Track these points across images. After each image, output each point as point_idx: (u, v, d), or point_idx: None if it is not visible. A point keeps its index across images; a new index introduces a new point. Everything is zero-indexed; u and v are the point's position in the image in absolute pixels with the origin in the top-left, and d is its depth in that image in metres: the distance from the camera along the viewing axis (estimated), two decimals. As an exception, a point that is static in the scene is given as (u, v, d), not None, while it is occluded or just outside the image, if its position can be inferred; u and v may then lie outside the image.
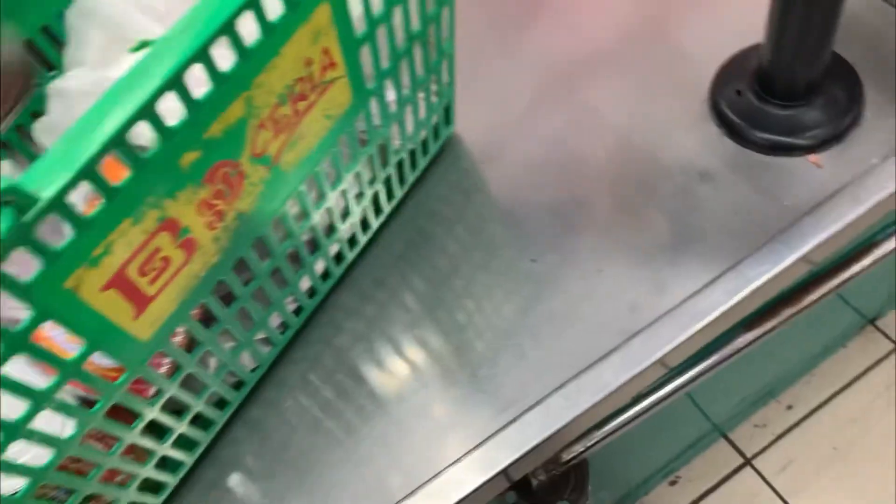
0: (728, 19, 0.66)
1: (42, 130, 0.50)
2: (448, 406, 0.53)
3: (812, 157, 0.57)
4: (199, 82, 0.36)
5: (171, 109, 0.34)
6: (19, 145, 0.55)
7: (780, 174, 0.57)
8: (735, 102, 0.59)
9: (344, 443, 0.53)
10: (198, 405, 0.49)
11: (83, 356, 0.37)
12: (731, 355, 0.63)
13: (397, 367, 0.55)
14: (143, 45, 0.52)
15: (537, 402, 0.50)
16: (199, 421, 0.50)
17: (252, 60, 0.38)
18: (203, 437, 0.52)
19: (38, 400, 0.36)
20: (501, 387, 0.52)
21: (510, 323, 0.55)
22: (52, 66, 0.56)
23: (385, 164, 0.56)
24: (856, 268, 0.65)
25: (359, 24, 0.45)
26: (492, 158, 0.64)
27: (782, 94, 0.57)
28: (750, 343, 0.63)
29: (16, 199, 0.28)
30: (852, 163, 0.56)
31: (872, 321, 1.33)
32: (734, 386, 1.05)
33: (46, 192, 0.30)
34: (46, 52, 0.55)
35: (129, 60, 0.50)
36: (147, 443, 0.46)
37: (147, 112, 0.33)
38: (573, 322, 0.54)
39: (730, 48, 0.63)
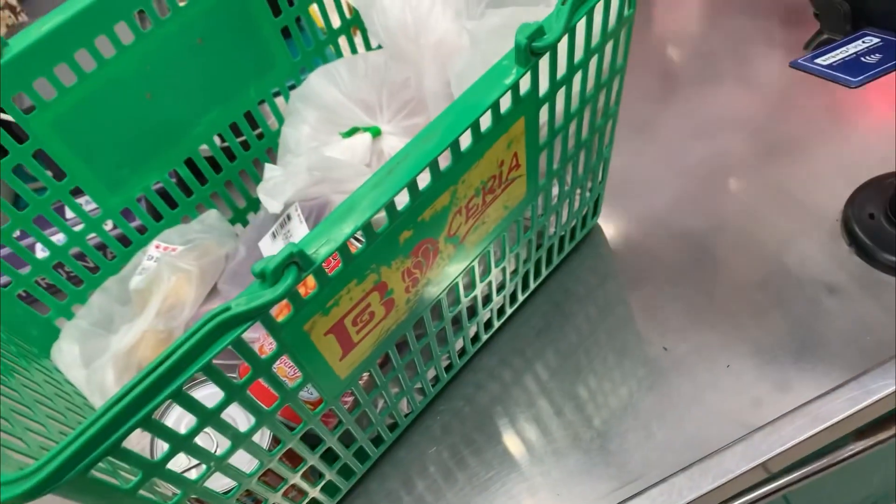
0: (866, 144, 0.71)
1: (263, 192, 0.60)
2: (575, 472, 0.58)
3: (940, 283, 0.61)
4: (422, 176, 0.44)
5: (400, 201, 0.43)
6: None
7: (907, 296, 0.61)
8: (867, 224, 0.64)
9: (470, 497, 0.59)
10: (363, 439, 0.56)
11: (300, 386, 0.46)
12: (841, 461, 0.66)
13: (527, 430, 0.61)
14: (354, 130, 0.61)
15: (661, 480, 0.55)
16: (360, 454, 0.58)
17: (464, 161, 0.46)
18: (359, 469, 0.59)
19: (262, 418, 0.45)
20: (628, 461, 0.57)
21: (640, 402, 0.60)
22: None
23: (539, 247, 0.64)
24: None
25: (542, 132, 0.53)
26: (629, 249, 0.71)
27: (914, 222, 0.62)
28: (861, 451, 0.66)
29: (299, 261, 0.37)
30: (980, 292, 0.60)
31: None
32: (837, 494, 1.05)
33: (318, 257, 0.38)
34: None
35: (341, 143, 0.60)
36: (322, 466, 0.54)
37: (388, 203, 0.41)
38: (699, 409, 0.59)
39: (866, 172, 0.67)
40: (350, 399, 0.53)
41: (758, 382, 0.59)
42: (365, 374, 0.52)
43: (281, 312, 0.42)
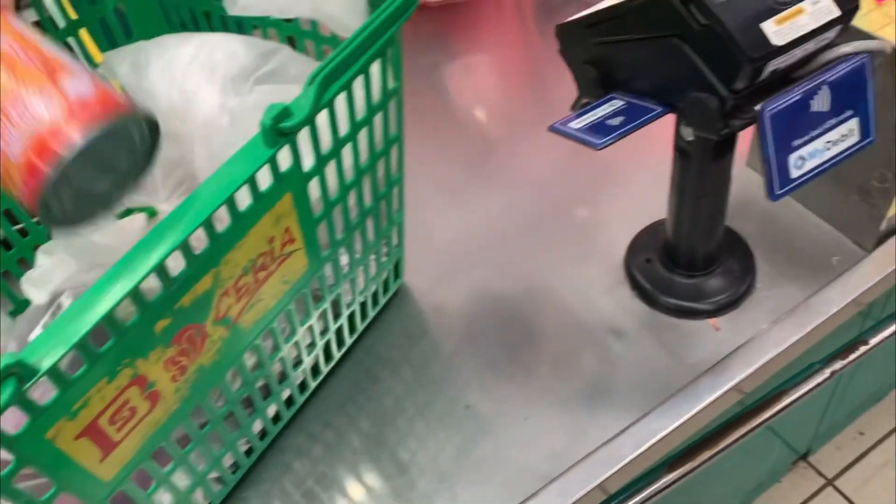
0: (644, 193, 0.76)
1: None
2: (383, 544, 0.57)
3: (712, 321, 0.65)
4: (175, 260, 0.43)
5: (151, 288, 0.41)
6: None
7: (685, 335, 0.65)
8: (646, 270, 0.68)
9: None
10: (150, 540, 0.53)
11: (50, 498, 0.42)
12: (653, 495, 0.69)
13: (338, 506, 0.60)
14: (128, 212, 0.59)
15: (464, 543, 0.55)
16: (150, 555, 0.54)
17: (222, 242, 0.45)
18: (152, 571, 0.55)
19: (8, 538, 0.41)
20: (433, 527, 0.57)
21: (446, 466, 0.60)
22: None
23: (337, 316, 0.63)
24: (766, 413, 0.73)
25: (317, 205, 0.53)
26: (436, 307, 0.71)
27: (685, 265, 0.66)
28: (674, 482, 0.69)
29: (19, 371, 0.34)
30: (746, 327, 0.65)
31: (804, 457, 1.40)
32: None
33: (45, 364, 0.36)
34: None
35: (113, 225, 0.57)
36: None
37: (132, 293, 0.39)
38: (501, 467, 0.59)
39: (643, 220, 0.72)
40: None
41: (554, 433, 0.61)
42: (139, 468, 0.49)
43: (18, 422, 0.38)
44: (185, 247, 0.42)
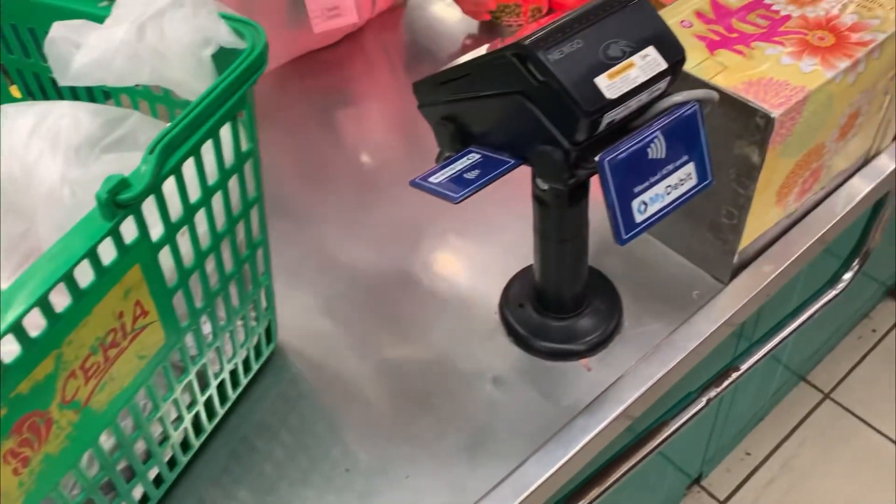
0: (515, 240, 0.77)
1: None
2: None
3: (584, 362, 0.67)
4: (9, 344, 0.40)
5: (-22, 377, 0.38)
6: None
7: (560, 378, 0.66)
8: (520, 315, 0.69)
9: None
10: None
11: None
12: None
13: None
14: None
15: None
16: None
17: (62, 323, 0.42)
18: None
19: None
20: None
21: (325, 533, 0.58)
22: None
23: (205, 387, 0.61)
24: (651, 444, 0.75)
25: (171, 275, 0.51)
26: (314, 367, 0.70)
27: (555, 308, 0.68)
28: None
29: None
30: (617, 365, 0.66)
31: (697, 481, 1.44)
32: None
33: None
34: None
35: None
36: None
37: (-48, 386, 0.37)
38: (381, 529, 0.58)
39: (517, 265, 0.73)
40: None
41: (436, 490, 0.60)
42: (-20, 578, 0.45)
43: None
44: (18, 330, 0.39)
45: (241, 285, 0.60)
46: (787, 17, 0.66)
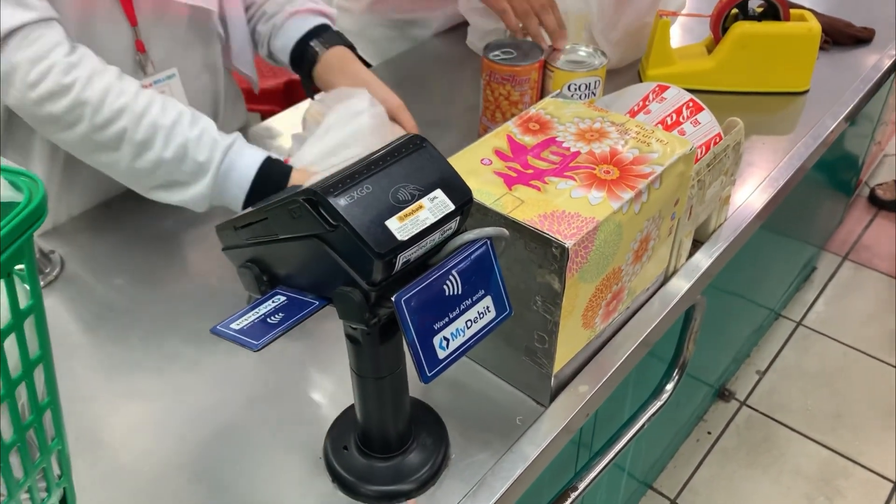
0: (342, 377, 0.75)
1: None
2: None
3: (411, 502, 0.65)
4: None
5: None
6: None
7: (387, 521, 0.64)
8: (343, 457, 0.67)
9: None
10: None
11: None
12: None
13: None
14: None
15: None
16: None
17: None
18: None
19: None
20: None
21: None
22: None
23: (-22, 577, 0.53)
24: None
25: (-73, 454, 0.45)
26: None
27: (380, 448, 0.66)
28: None
29: None
30: (445, 502, 0.65)
31: None
32: None
33: None
34: None
35: None
36: None
37: None
38: None
39: (343, 404, 0.72)
40: None
41: None
42: None
43: None
44: None
45: (25, 454, 0.54)
46: (577, 153, 0.72)
